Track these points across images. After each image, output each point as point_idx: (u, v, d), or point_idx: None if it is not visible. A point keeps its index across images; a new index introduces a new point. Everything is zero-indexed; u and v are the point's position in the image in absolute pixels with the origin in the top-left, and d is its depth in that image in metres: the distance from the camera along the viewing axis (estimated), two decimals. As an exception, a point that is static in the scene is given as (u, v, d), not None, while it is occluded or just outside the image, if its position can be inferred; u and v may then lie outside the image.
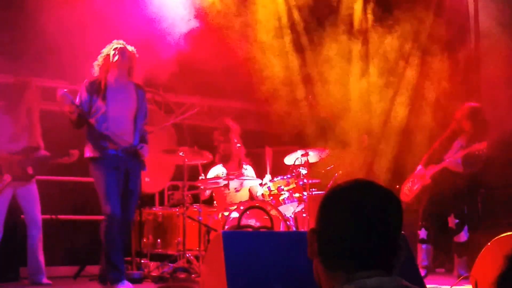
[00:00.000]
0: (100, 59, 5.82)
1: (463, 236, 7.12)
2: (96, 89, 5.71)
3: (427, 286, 4.49)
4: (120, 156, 5.65)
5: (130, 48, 5.90)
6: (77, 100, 5.67)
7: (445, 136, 7.44)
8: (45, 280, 6.40)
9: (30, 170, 6.47)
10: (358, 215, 1.61)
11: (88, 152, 5.65)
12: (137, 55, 5.93)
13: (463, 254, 7.10)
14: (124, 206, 5.63)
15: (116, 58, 5.74)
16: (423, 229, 7.24)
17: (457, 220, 7.16)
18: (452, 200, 7.20)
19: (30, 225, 6.46)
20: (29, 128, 6.55)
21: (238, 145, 7.59)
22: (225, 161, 7.61)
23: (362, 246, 1.60)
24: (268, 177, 7.34)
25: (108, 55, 5.80)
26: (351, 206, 1.63)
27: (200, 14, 7.82)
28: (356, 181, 1.70)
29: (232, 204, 6.99)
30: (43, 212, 6.67)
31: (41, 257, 6.46)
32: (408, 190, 7.57)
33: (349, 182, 1.70)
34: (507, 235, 3.85)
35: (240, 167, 7.60)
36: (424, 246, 7.20)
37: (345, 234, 1.61)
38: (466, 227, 7.16)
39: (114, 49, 5.80)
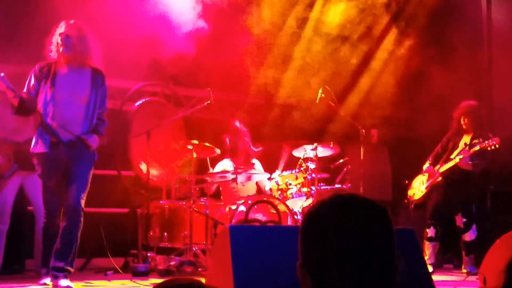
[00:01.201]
0: (54, 41, 5.40)
1: (471, 235, 7.09)
2: (45, 74, 5.34)
3: (436, 282, 4.43)
4: (62, 150, 5.29)
5: (82, 28, 5.42)
6: (26, 86, 5.35)
7: (449, 135, 7.43)
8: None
9: (35, 161, 6.40)
10: (341, 242, 1.46)
11: (33, 145, 5.37)
12: (90, 35, 5.47)
13: (471, 252, 7.05)
14: (69, 193, 5.30)
15: (61, 49, 5.34)
16: (431, 227, 7.19)
17: (464, 219, 7.12)
18: (461, 199, 7.17)
19: (38, 216, 6.42)
20: (34, 118, 6.45)
21: (253, 148, 7.57)
22: (232, 156, 7.57)
23: (356, 273, 1.46)
24: (278, 172, 7.30)
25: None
26: (332, 234, 1.47)
27: (211, 7, 7.78)
28: (335, 202, 1.52)
29: (240, 198, 6.96)
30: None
31: None
32: (418, 189, 7.51)
33: (327, 202, 1.53)
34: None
35: (248, 161, 7.56)
36: (432, 244, 7.16)
37: (334, 264, 1.47)
38: (474, 226, 7.12)
39: (60, 35, 5.35)
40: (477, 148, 6.94)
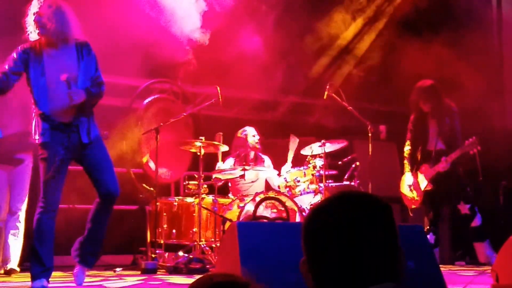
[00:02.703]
0: (30, 21, 4.94)
1: (478, 219, 7.03)
2: (33, 58, 4.91)
3: (446, 278, 4.40)
4: (63, 134, 4.91)
5: (52, 3, 4.93)
6: (6, 65, 4.87)
7: (413, 126, 7.35)
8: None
9: (18, 155, 6.34)
10: (342, 238, 1.46)
11: (35, 136, 4.97)
12: (63, 7, 4.97)
13: (485, 236, 7.02)
14: (101, 176, 5.12)
15: (36, 31, 4.89)
16: (430, 234, 7.12)
17: (468, 205, 7.07)
18: (454, 191, 7.14)
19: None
20: (22, 112, 6.19)
21: (258, 146, 7.56)
22: (241, 156, 7.59)
23: (358, 268, 1.45)
24: (288, 166, 7.30)
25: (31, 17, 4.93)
26: (333, 230, 1.47)
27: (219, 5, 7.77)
28: (336, 198, 1.53)
29: (248, 195, 6.96)
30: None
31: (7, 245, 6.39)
32: (412, 199, 7.43)
33: (330, 200, 1.54)
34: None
35: (257, 159, 7.57)
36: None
37: (336, 261, 1.47)
38: (476, 209, 7.09)
39: (33, 14, 4.89)
40: (457, 154, 6.94)
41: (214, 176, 7.26)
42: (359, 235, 1.46)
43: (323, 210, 1.53)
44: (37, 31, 4.89)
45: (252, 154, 7.63)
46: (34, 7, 4.91)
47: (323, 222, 1.50)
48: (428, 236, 6.97)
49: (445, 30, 8.94)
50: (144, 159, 7.93)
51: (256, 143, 7.58)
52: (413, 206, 7.44)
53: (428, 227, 7.15)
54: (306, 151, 7.38)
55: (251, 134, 7.61)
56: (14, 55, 4.91)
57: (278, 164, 7.58)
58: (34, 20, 4.89)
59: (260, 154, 7.67)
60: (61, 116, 4.91)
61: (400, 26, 9.39)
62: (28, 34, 4.97)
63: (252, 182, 7.36)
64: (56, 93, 4.87)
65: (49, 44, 4.95)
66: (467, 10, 9.06)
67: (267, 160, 7.65)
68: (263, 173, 7.37)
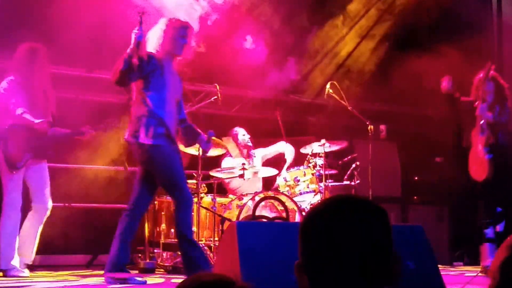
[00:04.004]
0: (159, 33, 5.25)
1: (501, 226, 6.46)
2: (159, 68, 5.16)
3: (445, 278, 4.38)
4: (173, 146, 5.25)
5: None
6: (138, 65, 5.02)
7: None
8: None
9: (48, 147, 6.11)
10: (338, 242, 1.47)
11: (144, 136, 5.12)
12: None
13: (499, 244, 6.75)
14: None
15: (177, 50, 5.23)
16: (490, 228, 6.45)
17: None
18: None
19: (39, 209, 6.15)
20: (44, 102, 6.12)
21: (250, 143, 7.55)
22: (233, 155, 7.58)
23: (353, 273, 1.46)
24: (283, 173, 7.24)
25: (170, 31, 5.21)
26: (329, 234, 1.48)
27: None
28: (332, 202, 1.54)
29: (247, 194, 6.92)
30: (56, 200, 6.50)
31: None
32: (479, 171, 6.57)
33: (326, 203, 1.55)
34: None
35: (249, 157, 7.55)
36: (492, 245, 6.39)
37: (331, 265, 1.47)
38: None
39: (180, 33, 5.21)
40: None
41: (211, 174, 7.22)
42: (354, 240, 1.47)
43: (319, 214, 1.54)
44: (177, 50, 5.21)
45: (245, 152, 7.60)
46: (183, 29, 5.24)
47: (319, 226, 1.51)
48: (486, 231, 6.46)
49: (444, 33, 8.92)
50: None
51: (247, 142, 7.55)
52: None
53: (487, 220, 6.51)
54: (306, 150, 7.35)
55: (241, 134, 7.59)
56: (145, 57, 5.08)
57: (278, 164, 7.55)
58: (182, 42, 5.19)
59: (251, 152, 7.65)
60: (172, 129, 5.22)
61: (400, 29, 9.36)
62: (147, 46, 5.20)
63: (249, 179, 7.32)
64: (171, 109, 5.21)
65: (167, 61, 5.22)
66: (466, 13, 9.03)
67: (257, 153, 7.64)
68: (261, 173, 7.33)
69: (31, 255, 6.09)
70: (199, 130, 5.60)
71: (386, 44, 9.41)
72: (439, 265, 4.44)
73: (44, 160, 6.14)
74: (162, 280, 5.83)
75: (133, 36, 4.98)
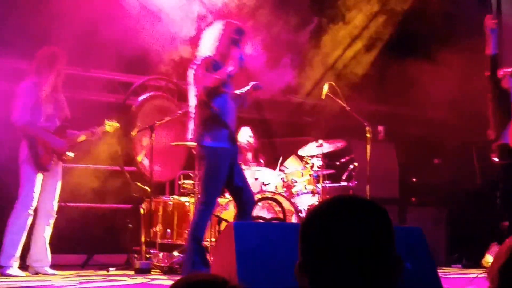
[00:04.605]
0: (216, 35, 5.32)
1: None
2: (217, 69, 5.25)
3: (443, 281, 4.35)
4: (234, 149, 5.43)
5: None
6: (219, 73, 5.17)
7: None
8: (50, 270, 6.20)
9: (67, 149, 6.23)
10: (339, 242, 1.46)
11: (209, 139, 5.30)
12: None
13: None
14: (246, 189, 5.53)
15: (237, 63, 5.28)
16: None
17: None
18: None
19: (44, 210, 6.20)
20: (60, 106, 6.26)
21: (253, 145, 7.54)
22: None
23: (354, 274, 1.45)
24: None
25: (226, 34, 5.29)
26: (330, 235, 1.47)
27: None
28: (334, 202, 1.53)
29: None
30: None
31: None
32: None
33: (327, 203, 1.54)
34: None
35: (257, 159, 7.52)
36: None
37: (331, 266, 1.46)
38: None
39: (239, 33, 5.33)
40: None
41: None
42: (354, 240, 1.46)
43: (320, 214, 1.53)
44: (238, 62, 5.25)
45: (249, 154, 7.55)
46: (220, 28, 5.32)
47: (319, 226, 1.50)
48: None
49: (443, 34, 8.90)
50: (139, 158, 7.84)
51: (249, 143, 7.50)
52: None
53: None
54: (303, 151, 7.32)
55: (244, 135, 7.54)
56: (214, 63, 5.24)
57: (274, 164, 7.52)
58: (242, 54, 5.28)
59: (259, 154, 7.62)
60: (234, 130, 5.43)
61: (399, 30, 9.34)
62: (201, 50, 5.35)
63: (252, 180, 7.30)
64: (232, 110, 5.39)
65: (223, 64, 5.30)
66: (465, 14, 9.01)
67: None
68: (260, 173, 7.29)
69: (46, 256, 6.14)
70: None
71: (384, 46, 9.40)
72: (437, 267, 4.41)
73: (61, 163, 6.21)
74: (159, 281, 5.78)
75: (238, 58, 5.14)
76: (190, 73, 5.36)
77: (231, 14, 7.70)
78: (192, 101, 5.38)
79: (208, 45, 5.30)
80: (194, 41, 7.34)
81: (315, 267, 1.49)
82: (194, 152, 6.73)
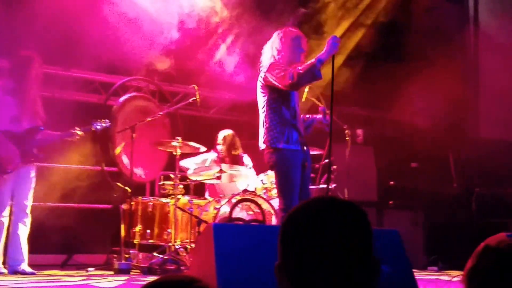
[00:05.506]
0: (278, 44, 5.43)
1: None
2: None
3: (420, 283, 4.41)
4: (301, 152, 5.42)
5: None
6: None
7: None
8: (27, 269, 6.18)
9: (34, 151, 6.19)
10: (318, 243, 1.46)
11: (279, 140, 5.30)
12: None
13: None
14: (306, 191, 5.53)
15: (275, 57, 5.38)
16: None
17: None
18: None
19: (18, 212, 6.20)
20: (33, 107, 6.23)
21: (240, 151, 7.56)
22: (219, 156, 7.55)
23: (333, 274, 1.46)
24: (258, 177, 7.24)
25: (288, 41, 5.41)
26: (310, 235, 1.48)
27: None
28: (315, 204, 1.54)
29: (224, 196, 6.91)
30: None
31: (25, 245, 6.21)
32: None
33: (308, 204, 1.55)
34: (494, 236, 3.78)
35: (235, 159, 7.54)
36: None
37: (311, 266, 1.47)
38: None
39: (299, 38, 5.43)
40: None
41: (189, 176, 7.20)
42: (334, 242, 1.47)
43: (300, 215, 1.53)
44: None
45: (226, 159, 7.56)
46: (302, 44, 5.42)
47: (299, 227, 1.51)
48: None
49: (422, 40, 9.00)
50: (117, 150, 7.80)
51: (221, 149, 7.52)
52: None
53: None
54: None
55: (223, 137, 7.56)
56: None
57: (254, 165, 7.55)
58: (295, 48, 5.35)
59: (242, 153, 7.63)
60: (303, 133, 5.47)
61: (378, 36, 9.42)
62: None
63: (230, 182, 7.32)
64: (299, 114, 5.46)
65: None
66: (443, 21, 9.12)
67: (246, 157, 7.61)
68: (239, 175, 7.33)
69: (22, 255, 6.11)
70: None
71: (364, 51, 9.47)
72: (413, 270, 4.47)
73: (31, 164, 6.18)
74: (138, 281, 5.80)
75: (332, 46, 5.13)
76: (259, 81, 5.41)
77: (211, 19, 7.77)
78: (261, 107, 5.44)
79: (271, 55, 5.43)
80: (176, 42, 7.42)
81: (294, 268, 1.49)
82: (175, 154, 6.75)
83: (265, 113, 5.36)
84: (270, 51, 5.45)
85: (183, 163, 7.33)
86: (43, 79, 6.53)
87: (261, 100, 5.41)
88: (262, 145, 5.37)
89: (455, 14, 9.33)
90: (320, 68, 5.16)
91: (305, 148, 5.42)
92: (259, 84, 5.42)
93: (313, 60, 5.13)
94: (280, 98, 5.31)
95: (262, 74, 5.37)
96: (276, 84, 5.22)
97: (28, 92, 6.18)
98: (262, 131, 5.38)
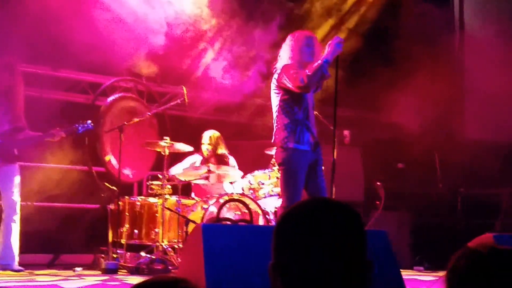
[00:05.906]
0: (287, 49, 5.49)
1: None
2: None
3: (407, 283, 4.46)
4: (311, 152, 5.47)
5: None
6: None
7: None
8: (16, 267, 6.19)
9: (15, 151, 6.22)
10: (313, 245, 1.48)
11: (290, 140, 5.36)
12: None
13: None
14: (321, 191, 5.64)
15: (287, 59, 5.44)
16: None
17: None
18: None
19: (9, 210, 6.20)
20: (12, 109, 6.24)
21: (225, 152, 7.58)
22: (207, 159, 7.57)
23: (327, 276, 1.47)
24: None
25: (295, 44, 5.46)
26: (303, 236, 1.49)
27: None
28: (309, 205, 1.56)
29: (212, 196, 6.93)
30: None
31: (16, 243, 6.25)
32: None
33: (302, 205, 1.56)
34: (480, 237, 3.82)
35: (221, 159, 7.56)
36: None
37: (305, 267, 1.48)
38: None
39: (307, 38, 5.50)
40: None
41: (178, 176, 7.21)
42: (327, 242, 1.48)
43: (294, 216, 1.54)
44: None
45: (213, 159, 7.59)
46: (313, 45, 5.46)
47: (293, 227, 1.52)
48: None
49: (407, 42, 9.05)
50: (107, 158, 7.84)
51: (207, 149, 7.55)
52: None
53: None
54: (271, 152, 7.36)
55: (208, 138, 7.59)
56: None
57: (241, 166, 7.57)
58: (303, 48, 5.39)
59: (227, 154, 7.65)
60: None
61: (364, 36, 9.47)
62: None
63: (217, 183, 7.34)
64: (312, 114, 5.51)
65: None
66: (429, 24, 9.18)
67: (232, 159, 7.64)
68: (227, 175, 7.34)
69: (12, 252, 6.13)
70: None
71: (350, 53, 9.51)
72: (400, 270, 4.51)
73: (13, 163, 6.17)
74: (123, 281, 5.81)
75: (336, 46, 5.23)
76: (273, 83, 5.46)
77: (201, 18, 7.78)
78: (274, 107, 5.49)
79: (286, 58, 5.47)
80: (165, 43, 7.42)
81: (288, 268, 1.50)
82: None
83: (277, 113, 5.44)
84: (284, 54, 5.51)
85: (173, 171, 7.35)
86: (31, 79, 6.54)
87: (275, 101, 5.47)
88: (276, 144, 5.47)
89: (441, 17, 9.39)
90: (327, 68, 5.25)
91: (317, 148, 5.51)
92: (272, 86, 5.48)
93: (319, 61, 5.19)
94: (293, 99, 5.38)
95: (276, 76, 5.44)
96: (289, 86, 5.28)
97: (10, 94, 6.18)
98: (274, 131, 5.47)
